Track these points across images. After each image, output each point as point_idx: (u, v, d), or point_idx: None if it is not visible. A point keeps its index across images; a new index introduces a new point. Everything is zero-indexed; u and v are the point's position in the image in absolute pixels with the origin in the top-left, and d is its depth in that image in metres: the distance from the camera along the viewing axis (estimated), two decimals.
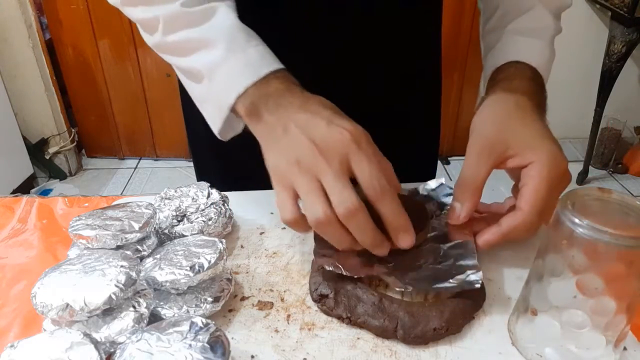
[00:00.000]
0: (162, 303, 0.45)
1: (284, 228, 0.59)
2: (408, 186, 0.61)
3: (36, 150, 2.31)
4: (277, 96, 0.50)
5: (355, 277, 0.47)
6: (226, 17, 0.55)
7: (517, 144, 0.50)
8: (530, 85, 0.56)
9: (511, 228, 0.49)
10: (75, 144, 2.46)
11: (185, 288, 0.46)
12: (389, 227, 0.46)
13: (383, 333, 0.45)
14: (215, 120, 0.55)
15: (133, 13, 0.58)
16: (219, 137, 0.56)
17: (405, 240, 0.47)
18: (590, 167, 2.40)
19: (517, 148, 0.50)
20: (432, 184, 0.61)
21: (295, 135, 0.47)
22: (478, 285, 0.45)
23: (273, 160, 0.48)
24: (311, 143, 0.45)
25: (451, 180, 2.01)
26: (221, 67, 0.52)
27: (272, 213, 0.61)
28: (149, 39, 0.58)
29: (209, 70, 0.54)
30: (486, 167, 0.50)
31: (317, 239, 0.50)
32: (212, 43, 0.53)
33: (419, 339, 0.44)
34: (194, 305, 0.45)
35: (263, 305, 0.48)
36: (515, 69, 0.58)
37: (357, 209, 0.43)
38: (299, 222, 0.46)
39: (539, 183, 0.48)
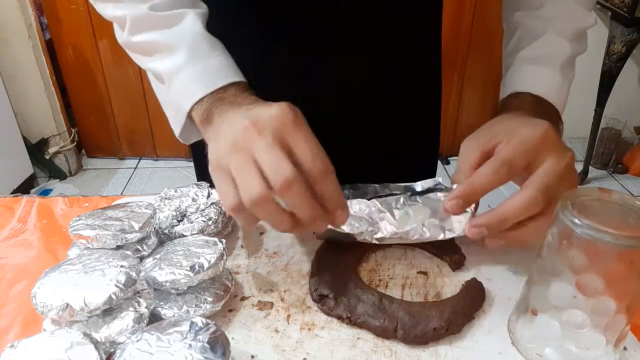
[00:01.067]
0: (162, 303, 0.45)
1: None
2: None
3: (36, 150, 2.31)
4: (229, 102, 0.50)
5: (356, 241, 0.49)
6: (193, 24, 0.55)
7: (505, 130, 0.49)
8: (533, 113, 0.55)
9: (509, 207, 0.46)
10: (75, 144, 2.46)
11: (185, 288, 0.46)
12: (329, 205, 0.44)
13: (383, 333, 0.45)
14: (175, 124, 0.55)
15: (104, 10, 0.58)
16: (180, 140, 0.56)
17: (342, 217, 0.45)
18: (590, 167, 2.40)
19: (504, 133, 0.49)
20: (429, 182, 0.61)
21: (233, 122, 0.45)
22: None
23: (211, 152, 0.46)
24: (245, 121, 0.43)
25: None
26: (180, 73, 0.53)
27: None
28: (118, 36, 0.59)
29: (169, 74, 0.54)
30: (476, 151, 0.50)
31: None
32: (174, 48, 0.54)
33: (419, 339, 0.44)
34: (194, 305, 0.45)
35: (263, 305, 0.48)
36: (519, 100, 0.59)
37: (295, 179, 0.41)
38: (242, 210, 0.43)
39: (526, 145, 0.47)
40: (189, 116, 0.53)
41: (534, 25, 0.63)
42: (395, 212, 0.52)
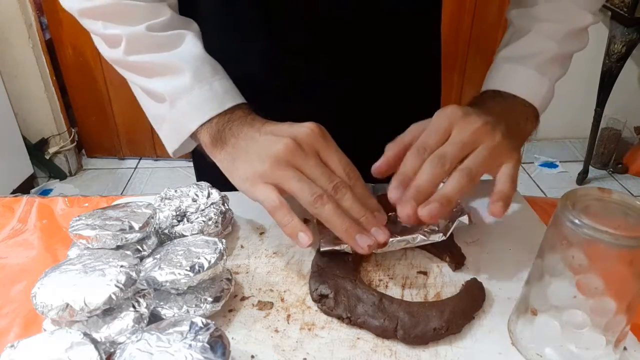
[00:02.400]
0: (162, 303, 0.45)
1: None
2: None
3: (36, 150, 2.31)
4: (241, 122, 0.53)
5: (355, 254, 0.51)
6: (194, 46, 0.57)
7: None
8: (496, 110, 0.57)
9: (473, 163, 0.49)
10: (75, 144, 2.46)
11: (185, 288, 0.46)
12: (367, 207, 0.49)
13: (383, 333, 0.45)
14: (171, 141, 0.57)
15: (93, 27, 0.58)
16: (172, 155, 0.59)
17: (382, 218, 0.50)
18: (590, 167, 2.40)
19: None
20: None
21: (265, 139, 0.50)
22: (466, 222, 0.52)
23: (244, 169, 0.50)
24: (284, 139, 0.48)
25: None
26: (186, 95, 0.54)
27: None
28: (107, 52, 0.59)
29: (172, 95, 0.55)
30: (411, 134, 0.53)
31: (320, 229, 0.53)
32: (178, 71, 0.55)
33: (419, 339, 0.44)
34: (194, 305, 0.45)
35: (263, 305, 0.48)
36: (484, 96, 0.61)
37: (344, 185, 0.48)
38: (287, 207, 0.48)
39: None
40: (191, 136, 0.55)
41: (521, 25, 0.64)
42: (397, 222, 0.53)
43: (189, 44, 0.57)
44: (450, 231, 0.52)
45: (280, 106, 0.58)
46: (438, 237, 0.51)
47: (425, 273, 0.52)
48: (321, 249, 0.51)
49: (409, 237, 0.51)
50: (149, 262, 0.48)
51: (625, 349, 0.43)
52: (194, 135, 0.55)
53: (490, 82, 0.62)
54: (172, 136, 0.57)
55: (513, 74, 0.61)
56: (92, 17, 0.57)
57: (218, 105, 0.54)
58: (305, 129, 0.49)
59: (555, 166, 2.53)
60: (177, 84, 0.55)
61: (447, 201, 0.47)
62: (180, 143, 0.57)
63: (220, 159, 0.53)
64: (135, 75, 0.59)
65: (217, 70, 0.56)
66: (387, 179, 0.55)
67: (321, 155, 0.49)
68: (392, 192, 0.49)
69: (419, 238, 0.51)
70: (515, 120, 0.57)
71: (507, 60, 0.63)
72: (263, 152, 0.49)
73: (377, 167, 0.53)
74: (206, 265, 0.46)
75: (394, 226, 0.54)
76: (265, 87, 0.59)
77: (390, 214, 0.56)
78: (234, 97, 0.55)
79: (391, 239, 0.51)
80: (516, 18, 0.65)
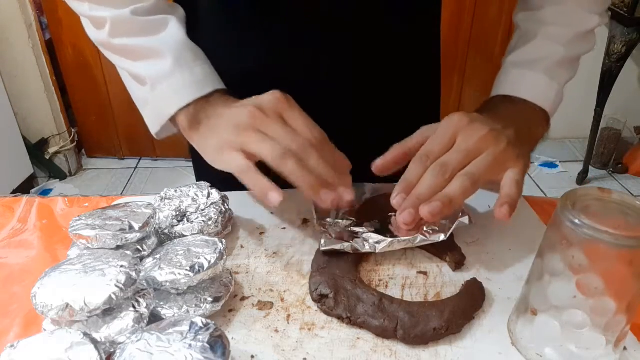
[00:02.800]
0: (162, 303, 0.45)
1: (284, 228, 0.59)
2: None
3: (36, 150, 2.31)
4: (215, 104, 0.55)
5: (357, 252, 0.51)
6: (177, 31, 0.58)
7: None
8: (506, 115, 0.57)
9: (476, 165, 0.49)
10: (75, 144, 2.46)
11: (185, 288, 0.46)
12: (336, 169, 0.50)
13: (383, 333, 0.45)
14: (153, 124, 0.58)
15: (80, 8, 0.59)
16: (155, 137, 0.60)
17: (348, 180, 0.51)
18: (590, 167, 2.40)
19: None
20: None
21: (231, 111, 0.52)
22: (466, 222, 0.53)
23: (213, 142, 0.52)
24: (248, 106, 0.51)
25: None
26: (167, 79, 0.56)
27: (272, 213, 0.61)
28: (93, 33, 0.60)
29: (153, 79, 0.56)
30: (415, 138, 0.54)
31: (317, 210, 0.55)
32: (160, 54, 0.56)
33: (419, 339, 0.44)
34: (194, 305, 0.45)
35: (263, 305, 0.48)
36: (492, 102, 0.61)
37: (310, 144, 0.49)
38: (254, 170, 0.49)
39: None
40: (171, 119, 0.56)
41: (528, 29, 0.64)
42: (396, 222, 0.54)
43: (172, 29, 0.57)
44: (451, 231, 0.52)
45: None
46: (438, 238, 0.51)
47: (425, 273, 0.52)
48: (322, 248, 0.51)
49: (409, 237, 0.51)
50: (149, 262, 0.48)
51: (625, 349, 0.43)
52: (173, 120, 0.57)
53: (499, 88, 0.62)
54: (153, 119, 0.58)
55: (522, 79, 0.61)
56: None
57: (197, 90, 0.55)
58: (269, 96, 0.51)
59: (555, 166, 2.53)
60: (158, 68, 0.56)
61: (449, 201, 0.47)
62: (160, 126, 0.58)
63: (196, 141, 0.55)
64: (119, 57, 0.59)
65: (198, 56, 0.57)
66: (387, 179, 0.55)
67: (286, 118, 0.50)
68: (395, 198, 0.50)
69: (419, 238, 0.51)
70: (526, 125, 0.57)
71: (515, 66, 0.63)
72: (229, 122, 0.51)
73: (376, 165, 0.53)
74: (206, 265, 0.46)
75: (394, 221, 0.54)
76: (264, 86, 0.59)
77: (390, 214, 0.56)
78: (213, 83, 0.56)
79: (392, 239, 0.51)
80: (523, 22, 0.65)
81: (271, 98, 0.51)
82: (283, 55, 0.66)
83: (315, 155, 0.49)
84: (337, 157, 0.52)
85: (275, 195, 0.48)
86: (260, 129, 0.49)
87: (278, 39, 0.66)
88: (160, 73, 0.56)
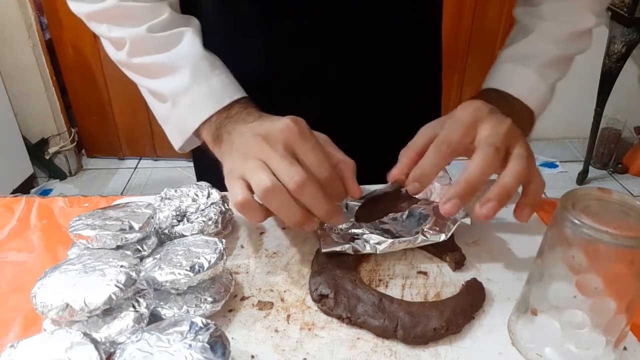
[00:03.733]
0: (162, 303, 0.45)
1: (284, 228, 0.59)
2: None
3: (36, 150, 2.31)
4: (236, 119, 0.53)
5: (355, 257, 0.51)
6: (192, 44, 0.57)
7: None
8: (500, 109, 0.56)
9: (469, 170, 0.47)
10: (75, 144, 2.46)
11: (185, 288, 0.46)
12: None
13: (383, 333, 0.45)
14: (176, 139, 0.59)
15: (99, 30, 0.59)
16: (178, 151, 0.60)
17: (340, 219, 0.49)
18: (590, 167, 2.40)
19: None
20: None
21: (244, 137, 0.50)
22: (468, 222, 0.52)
23: (227, 165, 0.51)
24: (257, 136, 0.48)
25: (451, 180, 2.01)
26: (186, 94, 0.55)
27: None
28: (114, 54, 0.60)
29: (173, 95, 0.56)
30: (425, 136, 0.52)
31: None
32: (177, 70, 0.56)
33: (419, 339, 0.44)
34: (194, 305, 0.45)
35: (263, 305, 0.48)
36: (486, 96, 0.60)
37: (307, 179, 0.45)
38: (250, 204, 0.47)
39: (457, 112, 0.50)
40: (194, 133, 0.56)
41: (526, 24, 0.64)
42: (397, 223, 0.54)
43: (187, 41, 0.57)
44: (451, 232, 0.52)
45: (279, 105, 0.58)
46: (439, 238, 0.51)
47: (425, 273, 0.52)
48: (322, 250, 0.51)
49: (410, 237, 0.51)
50: (149, 262, 0.48)
51: (625, 349, 0.43)
52: (197, 133, 0.56)
53: (491, 81, 0.62)
54: (176, 135, 0.58)
55: (514, 74, 0.61)
56: (98, 20, 0.58)
57: (216, 103, 0.54)
58: (281, 124, 0.48)
59: (555, 166, 2.53)
60: (176, 83, 0.56)
61: (507, 195, 0.46)
62: (184, 141, 0.58)
63: (219, 157, 0.54)
64: (139, 76, 0.60)
65: (216, 66, 0.57)
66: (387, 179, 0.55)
67: (296, 152, 0.47)
68: (411, 185, 0.49)
69: (420, 238, 0.51)
70: (520, 125, 0.57)
71: (509, 59, 0.63)
72: (238, 151, 0.50)
73: (392, 175, 0.53)
74: (206, 265, 0.46)
75: (395, 224, 0.54)
76: (264, 86, 0.59)
77: (391, 214, 0.56)
78: (231, 93, 0.55)
79: (392, 240, 0.51)
80: (522, 16, 0.65)
81: (282, 126, 0.48)
82: (283, 55, 0.66)
83: (311, 194, 0.46)
84: (340, 187, 0.49)
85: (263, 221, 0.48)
86: (263, 159, 0.47)
87: (277, 40, 0.66)
88: (179, 88, 0.56)
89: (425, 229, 0.52)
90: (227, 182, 0.49)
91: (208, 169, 0.61)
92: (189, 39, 0.57)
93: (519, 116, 0.59)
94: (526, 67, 0.61)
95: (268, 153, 0.46)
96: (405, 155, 0.52)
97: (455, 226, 0.52)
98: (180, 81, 0.55)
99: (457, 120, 0.49)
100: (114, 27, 0.58)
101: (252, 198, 0.47)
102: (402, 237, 0.52)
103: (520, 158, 0.47)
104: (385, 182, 0.57)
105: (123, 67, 0.61)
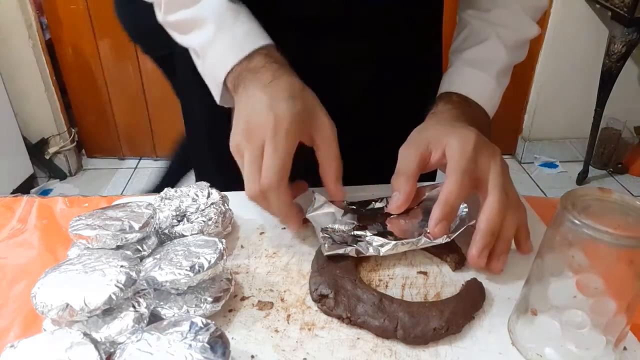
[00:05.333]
0: (162, 303, 0.45)
1: (284, 228, 0.59)
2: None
3: (36, 150, 2.31)
4: (254, 73, 0.54)
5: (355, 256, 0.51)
6: None
7: (435, 138, 0.53)
8: (466, 117, 0.58)
9: (446, 193, 0.49)
10: (75, 144, 2.46)
11: (185, 288, 0.46)
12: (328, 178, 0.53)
13: (383, 333, 0.45)
14: (215, 92, 0.59)
15: None
16: (221, 104, 0.60)
17: (338, 193, 0.54)
18: (590, 167, 2.40)
19: (435, 142, 0.53)
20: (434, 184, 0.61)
21: (252, 102, 0.52)
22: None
23: (233, 130, 0.53)
24: (246, 124, 0.51)
25: None
26: (211, 46, 0.56)
27: None
28: (158, 15, 0.62)
29: (201, 49, 0.58)
30: (415, 159, 0.53)
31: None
32: (202, 23, 0.57)
33: (419, 339, 0.44)
34: (194, 305, 0.45)
35: (263, 305, 0.48)
36: (451, 101, 0.62)
37: (258, 192, 0.50)
38: (262, 197, 0.51)
39: (454, 150, 0.50)
40: (225, 85, 0.57)
41: (480, 28, 0.65)
42: (399, 224, 0.54)
43: None
44: (456, 235, 0.51)
45: None
46: (442, 240, 0.51)
47: (425, 273, 0.52)
48: (325, 253, 0.51)
49: (412, 239, 0.51)
50: (149, 262, 0.48)
51: (625, 349, 0.43)
52: (226, 86, 0.57)
53: (453, 84, 0.63)
54: (213, 88, 0.59)
55: (476, 80, 0.63)
56: None
57: (239, 52, 0.55)
58: (263, 119, 0.50)
59: (555, 166, 2.53)
60: (203, 37, 0.57)
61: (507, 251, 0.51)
62: (219, 94, 0.58)
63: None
64: (176, 33, 0.61)
65: (240, 13, 0.57)
66: (387, 181, 0.55)
67: (264, 149, 0.50)
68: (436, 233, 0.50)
69: (423, 240, 0.51)
70: (481, 131, 0.59)
71: (468, 64, 0.64)
72: (243, 115, 0.52)
73: (399, 207, 0.54)
74: (206, 265, 0.46)
75: (396, 223, 0.54)
76: None
77: (393, 215, 0.55)
78: (254, 40, 0.56)
79: (395, 242, 0.51)
80: (473, 19, 0.66)
81: (262, 123, 0.50)
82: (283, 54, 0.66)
83: (266, 203, 0.51)
84: (284, 197, 0.51)
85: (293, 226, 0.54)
86: (243, 155, 0.51)
87: (277, 40, 0.66)
88: (206, 41, 0.56)
89: (428, 231, 0.52)
90: (232, 152, 0.53)
91: (208, 169, 0.61)
92: None
93: (481, 122, 0.60)
94: (485, 73, 0.63)
95: (245, 151, 0.51)
96: (403, 185, 0.53)
97: (462, 229, 0.52)
98: (206, 34, 0.56)
99: (464, 149, 0.50)
100: None
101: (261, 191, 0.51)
102: (405, 239, 0.52)
103: (496, 191, 0.49)
104: (384, 182, 0.57)
105: (165, 26, 0.62)
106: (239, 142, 0.52)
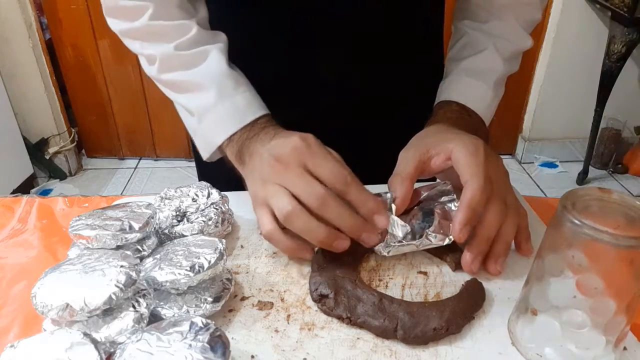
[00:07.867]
0: (162, 303, 0.45)
1: (284, 228, 0.59)
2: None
3: (36, 150, 2.31)
4: (255, 139, 0.55)
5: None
6: (217, 61, 0.59)
7: (436, 143, 0.53)
8: (465, 126, 0.59)
9: (469, 199, 0.49)
10: (75, 144, 2.46)
11: (185, 288, 0.46)
12: (364, 211, 0.49)
13: (383, 333, 0.45)
14: (204, 151, 0.60)
15: (132, 45, 0.62)
16: (206, 160, 0.61)
17: (381, 220, 0.49)
18: (590, 167, 2.40)
19: (437, 147, 0.53)
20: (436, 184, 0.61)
21: (262, 160, 0.51)
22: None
23: (251, 190, 0.53)
24: (271, 158, 0.50)
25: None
26: (211, 111, 0.57)
27: None
28: (147, 69, 0.62)
29: (199, 112, 0.58)
30: (413, 161, 0.52)
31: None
32: (202, 87, 0.58)
33: (419, 339, 0.44)
34: (194, 305, 0.45)
35: (263, 305, 0.48)
36: (451, 109, 0.63)
37: (328, 195, 0.47)
38: (274, 234, 0.49)
39: (465, 156, 0.50)
40: (218, 148, 0.58)
41: (478, 38, 0.66)
42: (400, 225, 0.53)
43: (212, 59, 0.59)
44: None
45: (280, 105, 0.58)
46: (444, 241, 0.51)
47: (425, 273, 0.52)
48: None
49: (416, 241, 0.51)
50: (149, 262, 0.48)
51: (625, 349, 0.43)
52: (221, 149, 0.58)
53: (452, 93, 0.64)
54: (203, 147, 0.60)
55: (476, 90, 0.64)
56: (131, 37, 0.61)
57: (239, 120, 0.56)
58: (290, 144, 0.50)
59: (555, 166, 2.53)
60: (202, 100, 0.58)
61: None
62: (210, 153, 0.60)
63: (243, 176, 0.56)
64: (169, 91, 0.62)
65: (240, 83, 0.58)
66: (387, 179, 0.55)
67: (309, 167, 0.48)
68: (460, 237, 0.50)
69: (425, 242, 0.51)
70: (485, 134, 0.60)
71: (468, 74, 0.65)
72: (256, 175, 0.52)
73: (397, 209, 0.53)
74: (206, 265, 0.46)
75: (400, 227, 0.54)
76: (265, 86, 0.59)
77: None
78: (254, 110, 0.57)
79: (398, 243, 0.51)
80: (470, 29, 0.67)
81: (292, 147, 0.49)
82: (283, 55, 0.66)
83: (335, 208, 0.47)
84: (363, 197, 0.49)
85: (304, 254, 0.51)
86: (281, 184, 0.48)
87: (277, 39, 0.66)
88: (205, 105, 0.57)
89: (430, 232, 0.51)
90: (254, 210, 0.52)
91: (209, 168, 0.61)
92: (214, 57, 0.59)
93: (480, 131, 0.60)
94: (484, 83, 0.64)
95: (284, 176, 0.48)
96: (404, 187, 0.52)
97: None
98: (206, 99, 0.57)
99: (469, 159, 0.50)
100: (145, 44, 0.60)
101: (276, 228, 0.49)
102: (407, 240, 0.51)
103: (498, 204, 0.50)
104: (384, 182, 0.57)
105: (155, 81, 0.63)
106: (261, 189, 0.50)
